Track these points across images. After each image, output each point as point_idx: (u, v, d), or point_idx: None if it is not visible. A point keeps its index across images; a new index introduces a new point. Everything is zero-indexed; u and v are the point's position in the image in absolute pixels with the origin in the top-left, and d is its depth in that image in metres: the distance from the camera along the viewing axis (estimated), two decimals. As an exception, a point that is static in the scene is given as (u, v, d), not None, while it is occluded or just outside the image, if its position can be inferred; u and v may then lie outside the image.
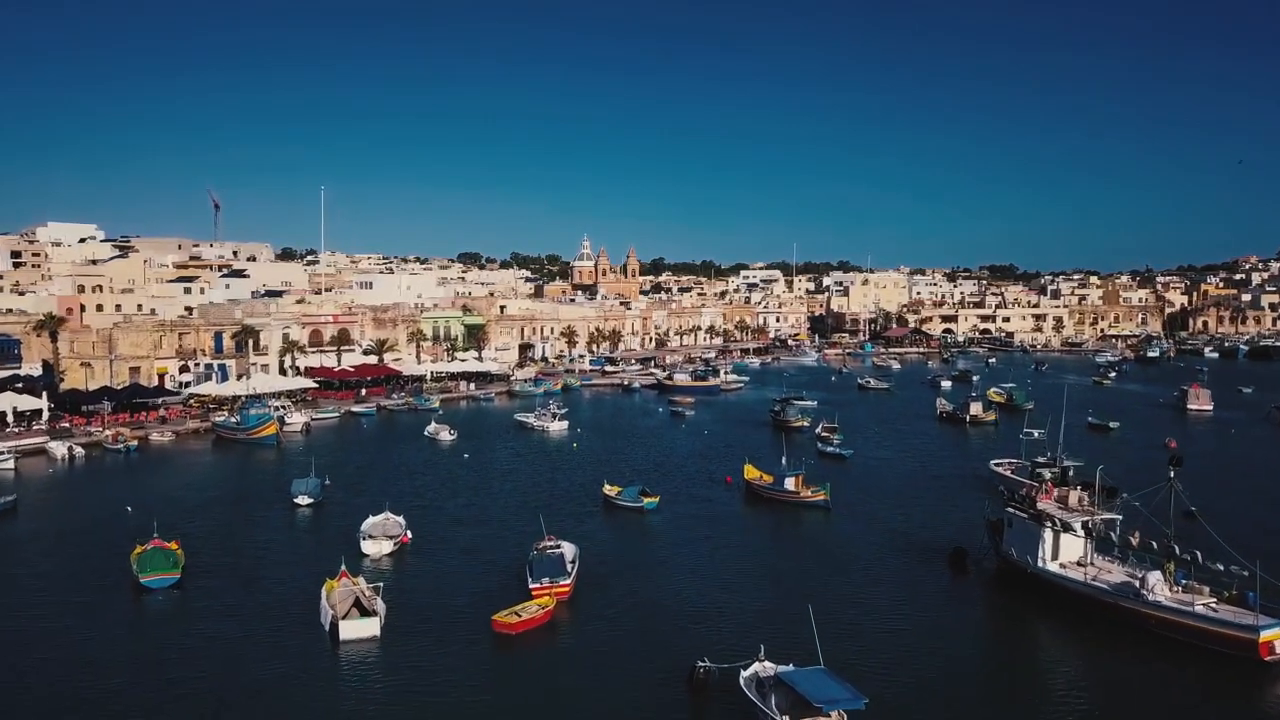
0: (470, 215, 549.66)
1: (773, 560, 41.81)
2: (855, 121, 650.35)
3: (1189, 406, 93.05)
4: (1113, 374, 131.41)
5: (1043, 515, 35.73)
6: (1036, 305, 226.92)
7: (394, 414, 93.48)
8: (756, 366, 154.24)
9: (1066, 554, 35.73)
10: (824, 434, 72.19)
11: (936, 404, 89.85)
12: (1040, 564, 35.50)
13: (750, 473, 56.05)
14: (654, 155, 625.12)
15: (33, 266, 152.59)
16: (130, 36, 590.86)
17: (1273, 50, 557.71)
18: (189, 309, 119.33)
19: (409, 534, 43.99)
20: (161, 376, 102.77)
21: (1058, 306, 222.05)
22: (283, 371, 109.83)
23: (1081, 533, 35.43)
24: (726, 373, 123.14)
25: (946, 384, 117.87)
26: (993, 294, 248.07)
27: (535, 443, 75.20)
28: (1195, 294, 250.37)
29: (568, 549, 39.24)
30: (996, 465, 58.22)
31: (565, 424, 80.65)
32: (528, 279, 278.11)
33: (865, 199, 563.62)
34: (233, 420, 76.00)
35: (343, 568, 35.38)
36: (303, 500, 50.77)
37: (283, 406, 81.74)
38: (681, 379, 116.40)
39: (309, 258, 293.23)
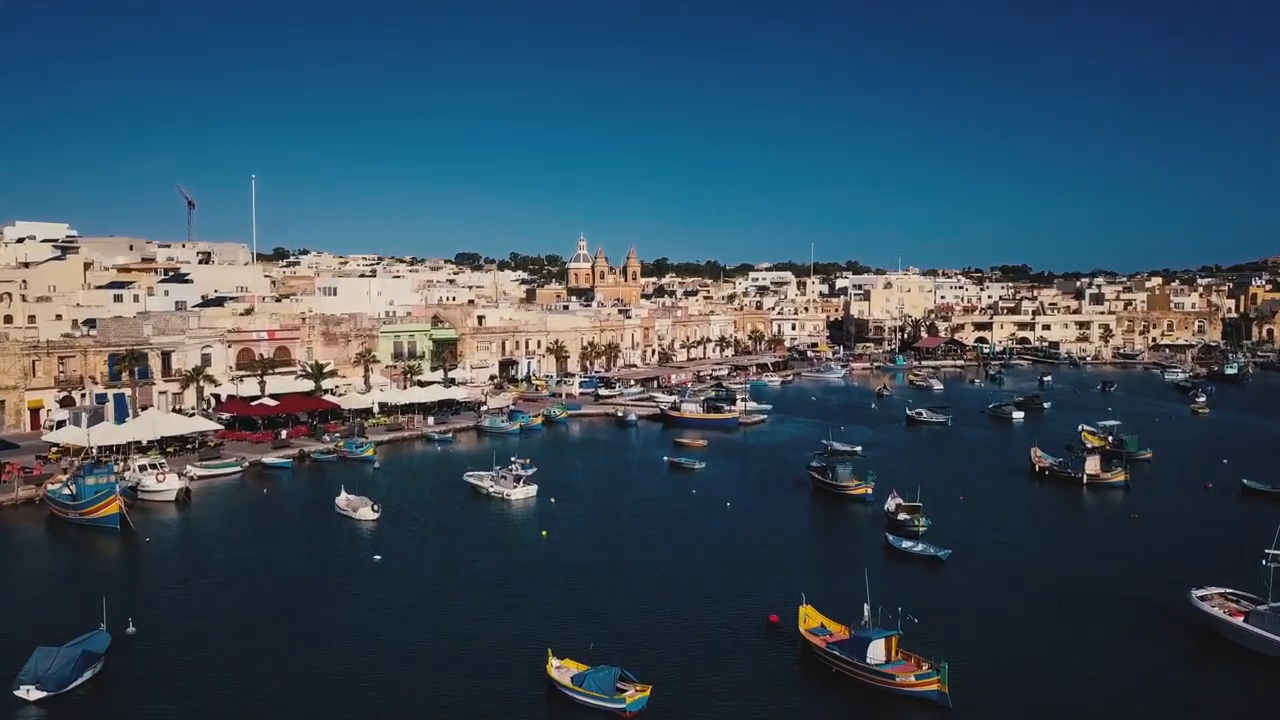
0: (469, 215, 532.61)
1: None
2: (857, 121, 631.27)
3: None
4: (1201, 398, 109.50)
5: None
6: (1078, 311, 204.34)
7: (319, 465, 71.86)
8: (777, 386, 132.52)
9: None
10: (900, 515, 50.52)
11: (1032, 455, 67.57)
12: None
13: (809, 618, 34.46)
14: (655, 155, 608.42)
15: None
16: (129, 33, 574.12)
17: (1273, 51, 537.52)
18: (80, 323, 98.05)
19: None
20: (35, 412, 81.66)
21: (1103, 313, 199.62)
22: (205, 403, 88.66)
23: None
24: (744, 399, 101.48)
25: (1017, 415, 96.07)
26: (1026, 298, 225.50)
27: (490, 522, 53.71)
28: (1243, 297, 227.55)
29: None
30: (1206, 601, 36.13)
31: (533, 490, 58.97)
32: (523, 281, 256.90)
33: (869, 199, 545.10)
34: (65, 492, 54.44)
35: None
36: (32, 695, 29.17)
37: (153, 465, 60.05)
38: (690, 409, 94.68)
39: (300, 257, 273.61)
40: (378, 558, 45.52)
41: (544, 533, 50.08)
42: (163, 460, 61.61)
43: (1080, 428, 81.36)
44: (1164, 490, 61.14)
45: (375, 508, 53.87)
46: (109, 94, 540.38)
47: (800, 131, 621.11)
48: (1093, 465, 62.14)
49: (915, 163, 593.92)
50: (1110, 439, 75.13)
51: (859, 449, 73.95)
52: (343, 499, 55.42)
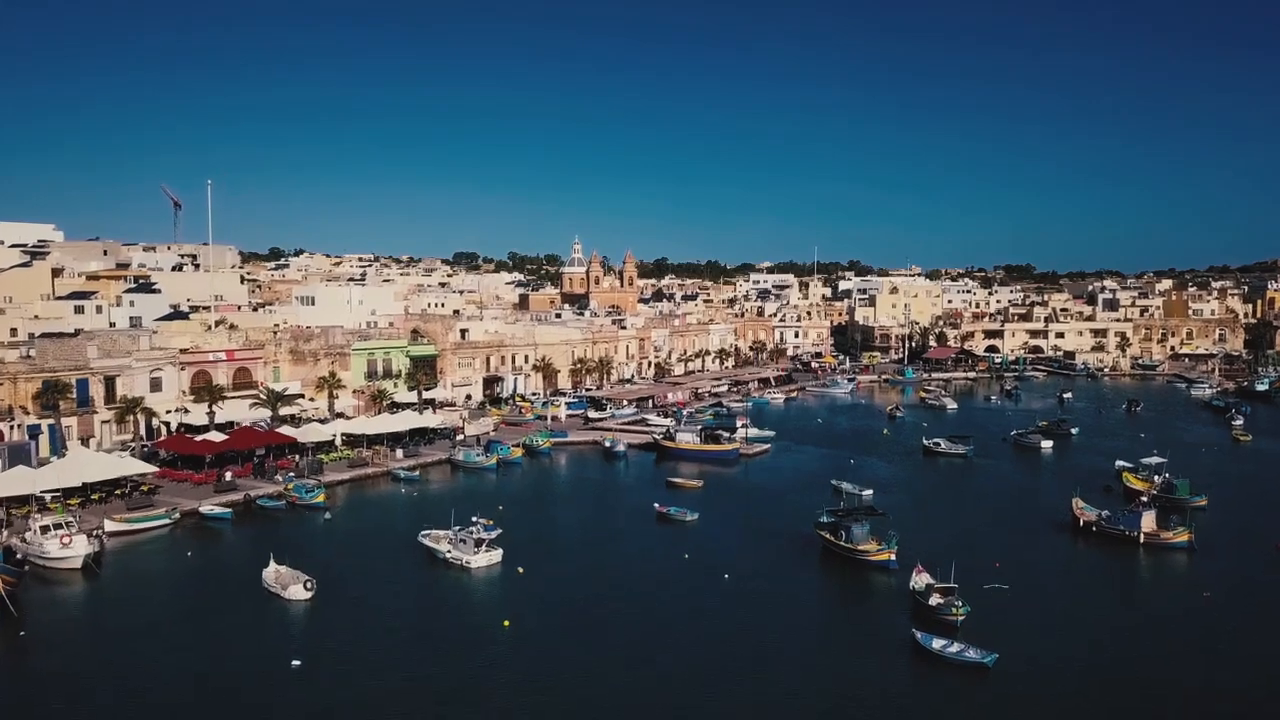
0: (468, 215, 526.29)
1: None
2: (858, 120, 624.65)
3: None
4: (1239, 421, 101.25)
5: None
6: (1091, 318, 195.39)
7: (265, 513, 63.50)
8: (780, 403, 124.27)
9: None
10: (932, 598, 42.19)
11: (1074, 507, 59.03)
12: None
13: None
14: (654, 154, 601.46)
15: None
16: (128, 33, 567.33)
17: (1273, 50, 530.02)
18: (36, 337, 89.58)
19: None
20: (-47, 448, 73.22)
21: (1119, 320, 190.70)
22: (150, 434, 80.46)
23: None
24: (745, 424, 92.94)
25: (1045, 445, 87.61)
26: (1037, 303, 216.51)
27: (444, 604, 45.36)
28: (1260, 302, 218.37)
29: None
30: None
31: (498, 555, 50.59)
32: (519, 284, 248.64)
33: (870, 198, 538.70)
34: (-60, 566, 46.18)
35: None
36: None
37: (57, 525, 51.63)
38: (686, 439, 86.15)
39: (291, 259, 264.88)
40: (296, 663, 37.12)
41: (506, 623, 41.61)
42: (70, 519, 53.17)
43: (1118, 465, 73.15)
44: (1230, 552, 52.64)
45: (309, 585, 45.44)
46: (105, 93, 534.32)
47: (800, 131, 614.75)
48: (1149, 522, 53.67)
49: (916, 163, 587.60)
50: (1157, 481, 66.70)
51: (870, 493, 65.95)
52: (271, 572, 46.96)
